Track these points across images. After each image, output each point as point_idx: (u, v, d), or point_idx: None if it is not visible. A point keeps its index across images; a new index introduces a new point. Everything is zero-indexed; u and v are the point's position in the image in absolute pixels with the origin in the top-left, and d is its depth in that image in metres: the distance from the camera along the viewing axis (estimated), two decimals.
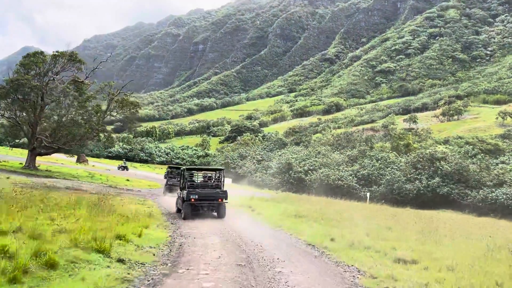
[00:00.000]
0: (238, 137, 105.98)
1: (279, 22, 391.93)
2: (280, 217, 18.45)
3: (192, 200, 17.20)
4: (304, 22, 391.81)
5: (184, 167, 19.91)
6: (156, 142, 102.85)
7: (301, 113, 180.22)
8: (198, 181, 19.55)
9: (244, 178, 55.84)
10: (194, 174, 20.55)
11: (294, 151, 58.84)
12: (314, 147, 61.33)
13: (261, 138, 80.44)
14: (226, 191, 18.08)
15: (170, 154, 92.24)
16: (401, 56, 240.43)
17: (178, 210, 19.05)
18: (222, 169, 19.83)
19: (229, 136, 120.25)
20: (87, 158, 63.14)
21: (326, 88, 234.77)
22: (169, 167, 33.46)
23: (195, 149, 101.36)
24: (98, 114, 37.86)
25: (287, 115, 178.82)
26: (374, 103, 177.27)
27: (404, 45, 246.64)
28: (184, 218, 17.12)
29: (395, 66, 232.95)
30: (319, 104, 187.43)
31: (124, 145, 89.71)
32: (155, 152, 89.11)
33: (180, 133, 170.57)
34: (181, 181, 19.03)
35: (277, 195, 36.21)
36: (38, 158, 38.15)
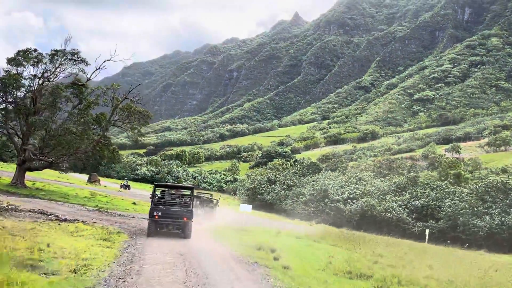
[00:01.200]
0: (269, 162, 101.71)
1: (313, 50, 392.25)
2: (326, 278, 11.35)
3: (156, 217, 17.12)
4: (339, 51, 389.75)
5: (155, 183, 20.33)
6: (185, 166, 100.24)
7: (335, 140, 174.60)
8: (167, 199, 19.37)
9: (272, 206, 51.31)
10: (164, 191, 20.47)
11: (330, 176, 52.64)
12: (353, 173, 55.44)
13: (292, 163, 75.52)
14: (191, 210, 17.96)
15: (198, 178, 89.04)
16: (440, 84, 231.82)
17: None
18: (192, 187, 20.71)
19: (260, 162, 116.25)
20: (99, 178, 60.33)
21: (361, 116, 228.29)
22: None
23: (223, 174, 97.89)
24: (103, 125, 33.71)
25: (320, 142, 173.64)
26: (412, 132, 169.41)
27: (444, 74, 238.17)
28: (148, 235, 17.09)
29: (434, 95, 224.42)
30: (354, 132, 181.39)
31: (151, 168, 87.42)
32: (183, 175, 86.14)
33: (210, 158, 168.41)
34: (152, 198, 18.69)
35: (312, 229, 30.78)
36: (44, 175, 34.85)
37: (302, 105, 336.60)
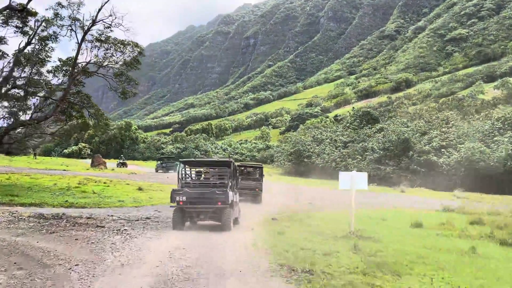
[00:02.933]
0: (301, 125, 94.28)
1: (330, 4, 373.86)
2: None
3: (180, 202, 12.15)
4: (357, 1, 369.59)
5: (180, 160, 14.44)
6: (212, 139, 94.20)
7: (366, 94, 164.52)
8: (196, 178, 14.61)
9: (323, 171, 40.76)
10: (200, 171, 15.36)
11: (401, 123, 40.99)
12: (430, 114, 45.05)
13: (332, 119, 67.28)
14: (227, 192, 12.14)
15: (228, 150, 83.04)
16: (473, 20, 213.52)
17: None
18: (231, 162, 13.77)
19: (290, 126, 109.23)
20: (104, 160, 52.78)
21: (390, 65, 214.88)
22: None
23: (254, 143, 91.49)
24: (65, 69, 24.01)
25: (351, 97, 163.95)
26: (450, 74, 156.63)
27: (476, 8, 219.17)
28: (173, 228, 12.38)
29: (467, 32, 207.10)
30: (386, 83, 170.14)
31: (177, 145, 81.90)
32: (211, 149, 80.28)
33: (237, 129, 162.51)
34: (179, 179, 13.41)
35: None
36: (48, 165, 28.86)
37: (325, 63, 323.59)
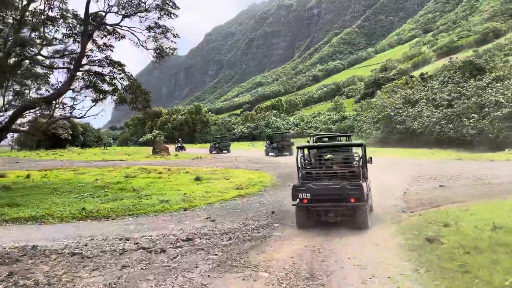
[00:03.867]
0: (378, 91, 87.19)
1: None
2: None
3: (304, 201, 9.88)
4: None
5: (299, 147, 11.15)
6: (283, 115, 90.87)
7: (447, 51, 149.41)
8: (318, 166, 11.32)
9: (422, 138, 34.49)
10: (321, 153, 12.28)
11: None
12: None
13: (419, 79, 59.40)
14: (360, 185, 9.44)
15: (300, 125, 79.23)
16: None
17: None
18: (362, 144, 11.11)
19: (366, 93, 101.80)
20: (166, 146, 48.67)
21: (473, 16, 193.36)
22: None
23: (328, 114, 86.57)
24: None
25: (430, 56, 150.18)
26: None
27: None
28: (298, 227, 10.32)
29: None
30: (470, 35, 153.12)
31: (247, 124, 79.86)
32: (283, 125, 77.08)
33: (308, 103, 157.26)
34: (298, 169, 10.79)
35: None
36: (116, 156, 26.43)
37: (397, 24, 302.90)
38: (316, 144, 13.16)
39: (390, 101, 41.61)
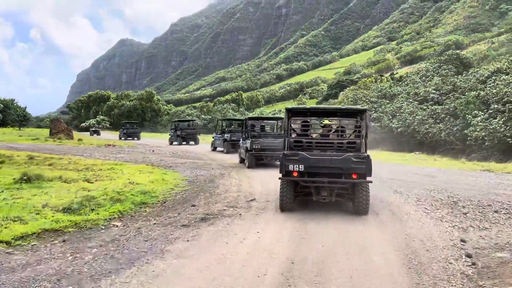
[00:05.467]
0: (340, 93, 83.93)
1: None
2: None
3: (295, 174, 8.51)
4: None
5: (288, 108, 9.43)
6: (242, 109, 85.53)
7: (411, 59, 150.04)
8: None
9: (401, 138, 27.83)
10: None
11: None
12: None
13: (390, 78, 55.18)
14: (368, 158, 8.37)
15: None
16: None
17: None
18: (365, 110, 9.18)
19: (329, 94, 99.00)
20: (67, 126, 39.86)
21: (436, 28, 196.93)
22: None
23: None
24: None
25: (393, 64, 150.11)
26: (507, 34, 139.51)
27: None
28: (282, 210, 9.10)
29: None
30: (432, 46, 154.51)
31: (202, 116, 73.81)
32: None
33: (270, 100, 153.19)
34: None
35: None
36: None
37: (362, 31, 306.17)
38: (309, 106, 9.64)
39: (364, 93, 35.48)
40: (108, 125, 64.67)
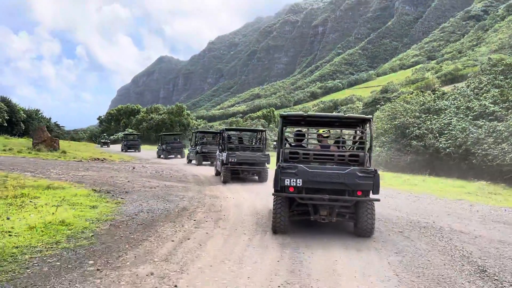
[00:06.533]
0: (377, 112, 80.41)
1: None
2: None
3: (291, 189, 7.66)
4: None
5: (283, 114, 8.86)
6: (272, 126, 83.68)
7: (452, 78, 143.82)
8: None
9: (445, 160, 22.88)
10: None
11: None
12: None
13: (431, 93, 50.51)
14: (376, 173, 7.50)
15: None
16: None
17: None
18: (370, 119, 8.51)
19: (364, 112, 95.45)
20: (51, 136, 33.79)
21: (479, 47, 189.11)
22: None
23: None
24: None
25: (433, 82, 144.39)
26: None
27: None
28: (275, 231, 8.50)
29: None
30: (475, 65, 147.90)
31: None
32: (270, 136, 70.09)
33: None
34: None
35: None
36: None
37: (400, 50, 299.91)
38: (307, 114, 8.59)
39: (405, 106, 29.71)
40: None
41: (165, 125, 69.14)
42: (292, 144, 9.41)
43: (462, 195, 14.86)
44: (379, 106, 78.04)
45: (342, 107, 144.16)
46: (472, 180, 19.84)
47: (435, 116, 25.69)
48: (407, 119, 26.78)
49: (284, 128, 8.61)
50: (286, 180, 7.42)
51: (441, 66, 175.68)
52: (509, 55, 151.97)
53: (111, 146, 60.65)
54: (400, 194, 14.63)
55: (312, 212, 7.74)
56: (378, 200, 7.69)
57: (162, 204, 11.00)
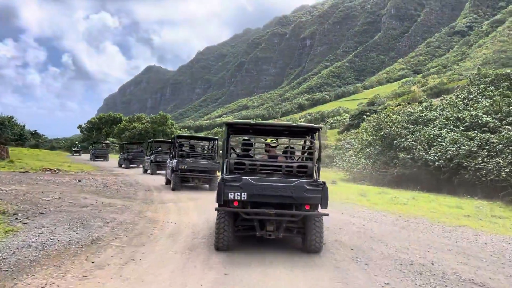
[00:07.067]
0: (363, 123, 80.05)
1: (393, 2, 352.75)
2: None
3: (236, 203, 7.33)
4: None
5: (227, 122, 8.67)
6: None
7: (437, 92, 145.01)
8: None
9: (434, 174, 21.69)
10: None
11: None
12: None
13: (418, 105, 49.27)
14: (325, 186, 7.23)
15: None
16: None
17: None
18: (319, 129, 8.48)
19: (351, 124, 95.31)
20: (3, 146, 32.20)
21: (464, 62, 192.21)
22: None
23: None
24: None
25: (419, 95, 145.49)
26: None
27: None
28: (218, 248, 8.44)
29: None
30: (460, 79, 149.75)
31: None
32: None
33: None
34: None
35: None
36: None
37: (387, 63, 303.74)
38: (252, 122, 8.11)
39: (392, 117, 28.15)
40: (117, 148, 62.69)
41: (148, 135, 67.49)
42: (239, 154, 8.83)
43: (461, 219, 12.95)
44: (365, 117, 77.59)
45: (329, 119, 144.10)
46: (465, 197, 18.39)
47: (424, 127, 24.48)
48: (394, 129, 25.61)
49: (229, 137, 8.21)
50: (230, 193, 7.02)
51: (427, 80, 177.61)
52: (493, 70, 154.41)
53: (82, 155, 59.64)
54: (386, 217, 12.64)
55: (258, 227, 7.36)
56: (326, 214, 7.19)
57: (73, 232, 8.46)
